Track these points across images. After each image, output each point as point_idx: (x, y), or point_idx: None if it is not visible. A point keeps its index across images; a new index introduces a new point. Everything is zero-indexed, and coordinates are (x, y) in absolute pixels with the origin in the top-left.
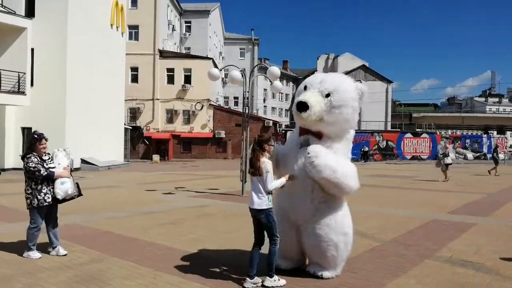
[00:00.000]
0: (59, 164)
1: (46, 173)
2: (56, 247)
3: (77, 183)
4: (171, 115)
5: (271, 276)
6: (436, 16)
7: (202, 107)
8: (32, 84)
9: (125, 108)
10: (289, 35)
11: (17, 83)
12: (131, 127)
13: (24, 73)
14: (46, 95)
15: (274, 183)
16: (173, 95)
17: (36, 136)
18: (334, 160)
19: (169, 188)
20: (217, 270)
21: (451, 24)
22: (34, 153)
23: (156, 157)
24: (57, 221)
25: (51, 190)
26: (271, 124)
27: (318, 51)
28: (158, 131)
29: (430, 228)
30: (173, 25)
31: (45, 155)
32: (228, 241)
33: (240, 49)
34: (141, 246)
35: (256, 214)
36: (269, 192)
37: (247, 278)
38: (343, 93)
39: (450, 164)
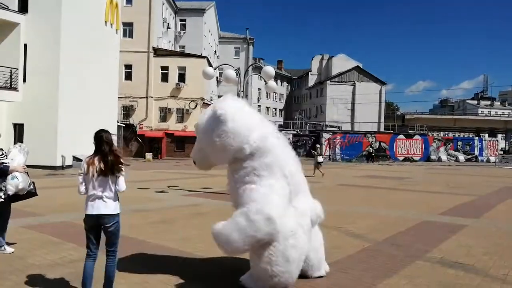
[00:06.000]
0: (12, 159)
1: None
2: (2, 246)
3: (33, 182)
4: (164, 113)
5: None
6: (434, 17)
7: (196, 105)
8: (24, 80)
9: (118, 106)
10: (284, 35)
11: (9, 79)
12: (124, 125)
13: (17, 69)
14: (38, 91)
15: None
16: (167, 93)
17: None
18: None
19: (162, 187)
20: (209, 269)
21: (449, 25)
22: None
23: (149, 155)
24: (8, 221)
25: (4, 187)
26: None
27: (313, 51)
28: (151, 129)
29: (422, 229)
30: (168, 23)
31: None
32: None
33: (235, 48)
34: (133, 244)
35: (105, 220)
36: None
37: None
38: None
39: (322, 162)
